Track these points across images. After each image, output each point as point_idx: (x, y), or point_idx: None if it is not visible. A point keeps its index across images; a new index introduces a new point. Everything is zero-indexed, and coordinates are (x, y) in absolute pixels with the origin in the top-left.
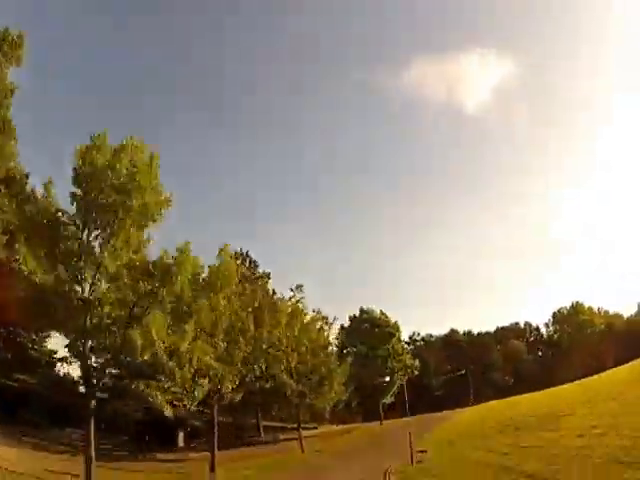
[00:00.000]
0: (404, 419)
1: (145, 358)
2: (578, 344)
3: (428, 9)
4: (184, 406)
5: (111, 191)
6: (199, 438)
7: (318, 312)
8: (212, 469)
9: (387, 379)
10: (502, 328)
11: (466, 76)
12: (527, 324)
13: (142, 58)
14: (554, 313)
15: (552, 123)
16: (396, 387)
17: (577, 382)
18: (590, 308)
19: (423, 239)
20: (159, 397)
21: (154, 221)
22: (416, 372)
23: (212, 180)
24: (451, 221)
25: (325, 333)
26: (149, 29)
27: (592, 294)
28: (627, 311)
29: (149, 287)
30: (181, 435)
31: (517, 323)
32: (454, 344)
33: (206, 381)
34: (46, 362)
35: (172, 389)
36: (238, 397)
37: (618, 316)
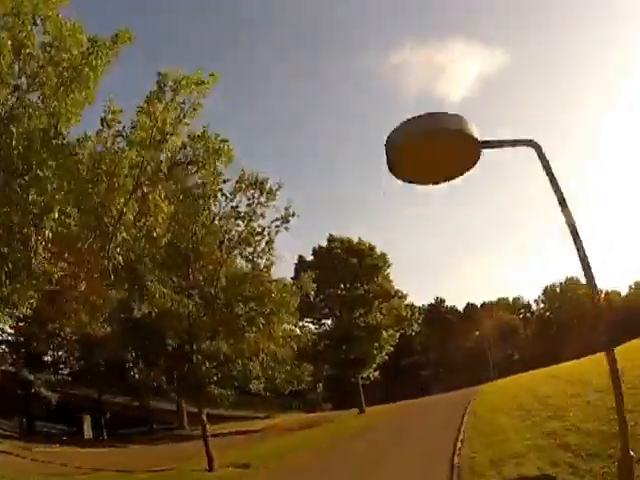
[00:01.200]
0: (403, 402)
1: None
2: (577, 320)
3: None
4: None
5: None
6: (124, 427)
7: (250, 176)
8: None
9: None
10: (490, 303)
11: (451, 66)
12: (516, 299)
13: None
14: (545, 289)
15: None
16: (384, 353)
17: None
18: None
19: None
20: None
21: None
22: (417, 326)
23: None
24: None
25: (259, 210)
26: None
27: (579, 274)
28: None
29: None
30: (87, 422)
31: (505, 298)
32: (441, 316)
33: None
34: None
35: None
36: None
37: (616, 293)
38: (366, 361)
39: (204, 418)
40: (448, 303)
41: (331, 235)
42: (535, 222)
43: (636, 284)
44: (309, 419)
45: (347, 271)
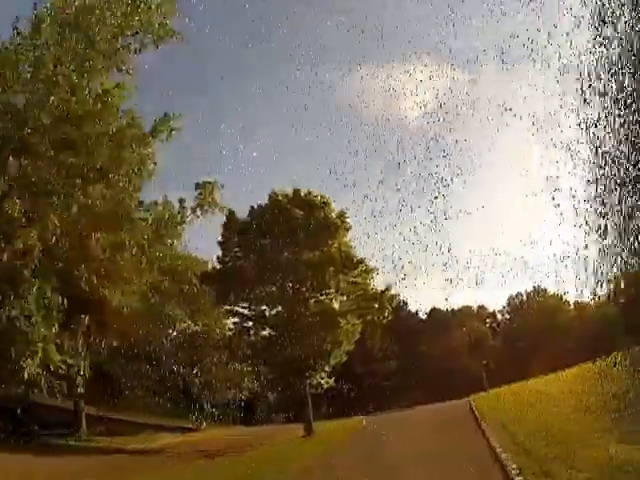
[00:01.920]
0: (369, 418)
1: None
2: (548, 331)
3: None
4: None
5: None
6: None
7: None
8: None
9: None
10: (452, 310)
11: (410, 86)
12: (481, 308)
13: None
14: (510, 298)
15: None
16: (342, 351)
17: None
18: (556, 294)
19: None
20: None
21: None
22: (389, 312)
23: None
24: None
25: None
26: None
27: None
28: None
29: None
30: None
31: (469, 306)
32: (403, 321)
33: None
34: None
35: None
36: None
37: (586, 304)
38: (317, 361)
39: None
40: (409, 308)
41: (273, 190)
42: (502, 229)
43: (600, 297)
44: (236, 438)
45: (291, 228)
